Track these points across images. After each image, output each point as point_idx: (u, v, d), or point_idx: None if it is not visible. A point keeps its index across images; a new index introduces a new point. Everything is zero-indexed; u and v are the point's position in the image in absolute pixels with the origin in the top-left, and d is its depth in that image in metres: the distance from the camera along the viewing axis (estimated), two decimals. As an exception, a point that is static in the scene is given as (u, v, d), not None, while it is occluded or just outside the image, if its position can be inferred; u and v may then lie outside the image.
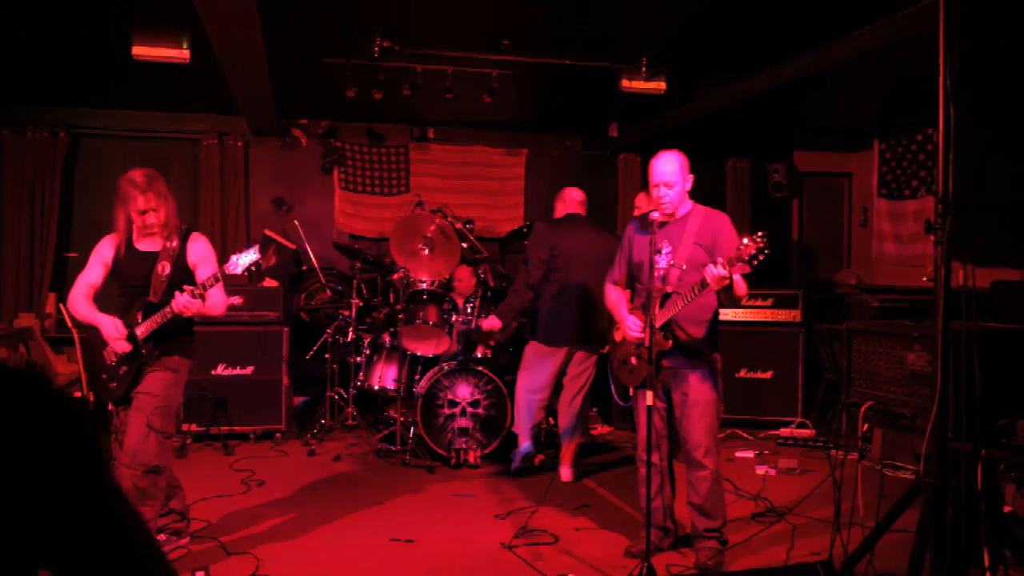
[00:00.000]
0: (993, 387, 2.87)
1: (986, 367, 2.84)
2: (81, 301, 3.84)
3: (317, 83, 6.85)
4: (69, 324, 6.08)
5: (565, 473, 5.45)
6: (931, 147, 7.66)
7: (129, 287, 3.85)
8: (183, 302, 3.60)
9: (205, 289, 3.66)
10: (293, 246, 7.68)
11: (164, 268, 3.79)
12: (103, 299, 3.95)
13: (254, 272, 4.06)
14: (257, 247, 3.76)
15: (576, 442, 5.52)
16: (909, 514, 3.17)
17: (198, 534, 4.34)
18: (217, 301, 3.82)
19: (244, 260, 3.69)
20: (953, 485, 2.80)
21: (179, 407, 3.93)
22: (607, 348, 5.52)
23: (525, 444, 5.62)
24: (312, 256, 7.36)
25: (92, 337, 3.85)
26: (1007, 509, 3.99)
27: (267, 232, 7.88)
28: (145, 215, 3.77)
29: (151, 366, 3.77)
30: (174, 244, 3.84)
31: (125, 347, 3.73)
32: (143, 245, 3.88)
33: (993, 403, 2.88)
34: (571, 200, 5.72)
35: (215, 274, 3.67)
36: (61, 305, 6.50)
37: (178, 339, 3.87)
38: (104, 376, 3.81)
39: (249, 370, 6.51)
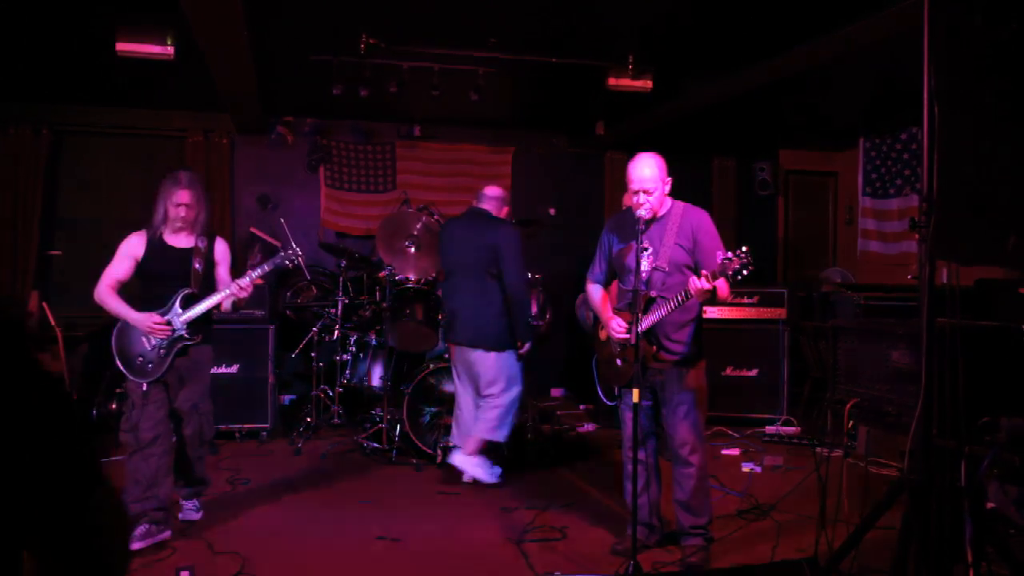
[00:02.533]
0: (977, 385, 2.88)
1: (970, 365, 2.86)
2: (110, 294, 4.20)
3: (303, 80, 6.81)
4: (52, 322, 6.04)
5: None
6: (916, 146, 7.70)
7: (163, 279, 4.26)
8: (241, 284, 4.26)
9: (256, 280, 4.32)
10: (279, 244, 7.64)
11: (199, 264, 4.31)
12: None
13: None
14: (292, 246, 4.49)
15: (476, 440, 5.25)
16: (894, 511, 3.19)
17: (184, 533, 4.32)
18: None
19: (285, 256, 4.45)
20: (937, 482, 2.81)
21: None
22: (523, 349, 5.28)
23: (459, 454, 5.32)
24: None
25: (123, 327, 4.23)
26: (990, 506, 4.03)
27: (253, 230, 7.84)
28: (179, 208, 4.25)
29: (189, 354, 4.28)
30: (203, 244, 4.36)
31: (165, 333, 4.18)
32: (174, 241, 4.34)
33: (976, 400, 2.90)
34: (482, 195, 5.49)
35: (266, 269, 4.38)
36: (44, 304, 6.45)
37: (208, 328, 4.41)
38: (140, 359, 4.19)
39: (235, 368, 6.48)
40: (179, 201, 4.25)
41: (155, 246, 4.30)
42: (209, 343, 4.44)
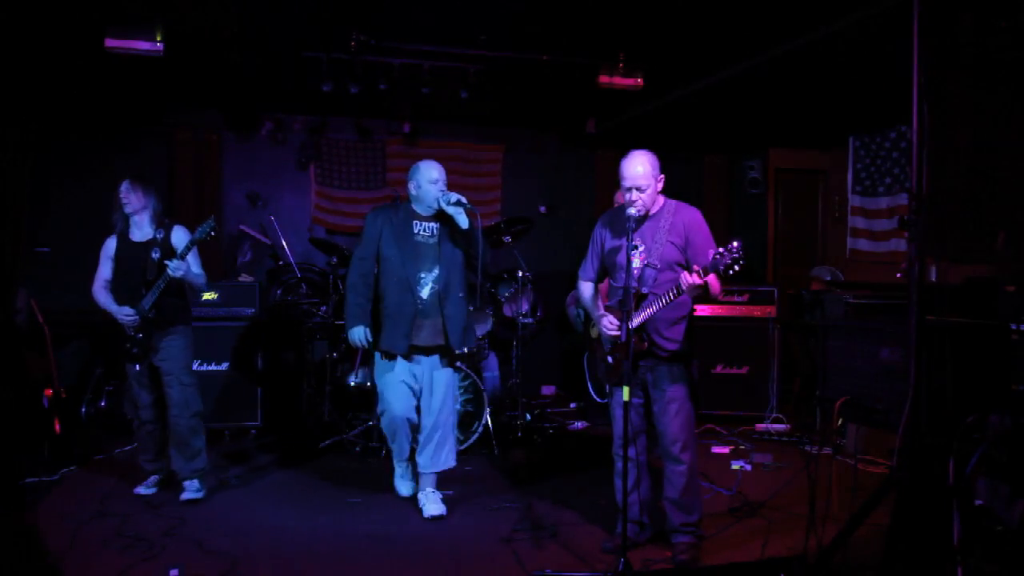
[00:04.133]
0: (965, 382, 2.90)
1: (958, 363, 2.87)
2: (102, 293, 4.91)
3: (294, 77, 6.79)
4: (40, 320, 6.00)
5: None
6: (905, 144, 7.73)
7: (127, 271, 4.84)
8: (173, 265, 4.65)
9: (182, 256, 4.70)
10: (269, 241, 7.62)
11: (155, 253, 4.81)
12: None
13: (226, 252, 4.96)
14: (212, 218, 4.75)
15: None
16: (883, 508, 3.20)
17: (172, 532, 4.31)
18: (196, 270, 4.88)
19: (204, 228, 4.68)
20: (925, 480, 2.83)
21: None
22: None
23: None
24: (288, 251, 7.31)
25: (111, 320, 4.88)
26: (978, 503, 4.05)
27: (242, 228, 7.81)
28: (120, 199, 4.90)
29: (163, 333, 4.84)
30: (161, 235, 4.86)
31: (134, 320, 4.78)
32: (136, 236, 4.91)
33: (965, 398, 2.91)
34: None
35: (187, 244, 4.75)
36: (32, 301, 6.41)
37: (177, 309, 4.93)
38: (128, 345, 4.83)
39: (223, 366, 6.46)
40: (119, 195, 4.93)
41: (122, 244, 4.94)
42: (183, 323, 4.98)
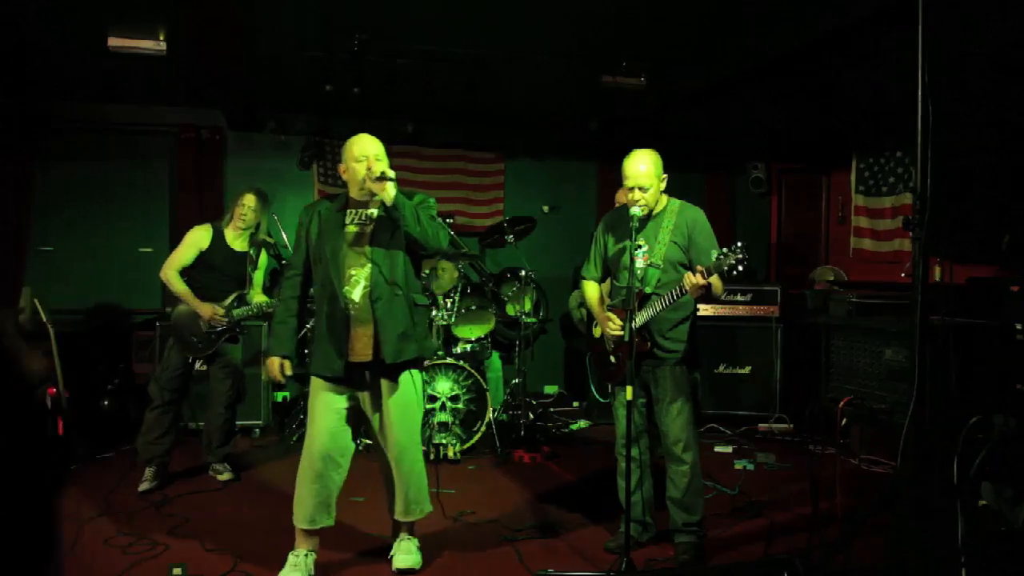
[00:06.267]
0: (969, 382, 2.89)
1: (962, 363, 2.87)
2: (177, 278, 5.01)
3: (296, 77, 6.78)
4: (44, 319, 6.00)
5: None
6: (909, 161, 7.70)
7: (219, 273, 5.07)
8: (264, 306, 5.11)
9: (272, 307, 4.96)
10: (272, 240, 7.61)
11: (252, 270, 5.18)
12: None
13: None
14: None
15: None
16: (886, 508, 3.19)
17: (175, 530, 4.31)
18: None
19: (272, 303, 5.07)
20: (929, 480, 2.82)
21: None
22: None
23: None
24: (291, 251, 7.30)
25: (181, 309, 5.04)
26: (981, 503, 4.04)
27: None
28: (243, 209, 5.14)
29: (229, 337, 5.10)
30: (255, 254, 5.21)
31: (222, 322, 4.99)
32: (235, 245, 5.16)
33: (969, 398, 2.91)
34: None
35: (271, 302, 5.08)
36: (35, 299, 6.41)
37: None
38: (195, 339, 5.01)
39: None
40: (244, 203, 5.13)
41: (218, 242, 5.08)
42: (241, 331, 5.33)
